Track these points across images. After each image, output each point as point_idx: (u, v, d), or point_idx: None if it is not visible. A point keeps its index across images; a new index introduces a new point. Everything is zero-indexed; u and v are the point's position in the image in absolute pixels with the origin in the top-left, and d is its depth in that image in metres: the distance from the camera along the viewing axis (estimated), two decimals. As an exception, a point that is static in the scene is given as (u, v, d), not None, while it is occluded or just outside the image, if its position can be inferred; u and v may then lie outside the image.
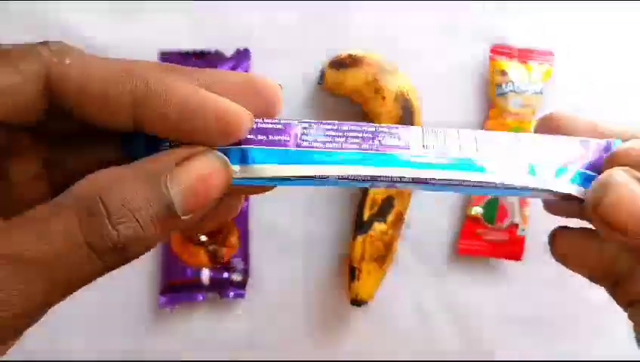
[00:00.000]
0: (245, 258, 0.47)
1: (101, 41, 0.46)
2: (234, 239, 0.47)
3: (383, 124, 0.22)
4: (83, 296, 0.46)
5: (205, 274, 0.47)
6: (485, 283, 0.49)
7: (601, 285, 0.24)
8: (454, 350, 0.49)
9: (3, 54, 0.18)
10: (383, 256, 0.45)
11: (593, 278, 0.24)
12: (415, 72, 0.46)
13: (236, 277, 0.47)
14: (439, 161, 0.21)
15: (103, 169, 0.18)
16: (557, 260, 0.24)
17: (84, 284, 0.17)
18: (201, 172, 0.18)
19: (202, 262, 0.47)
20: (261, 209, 0.48)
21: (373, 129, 0.22)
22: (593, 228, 0.21)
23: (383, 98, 0.44)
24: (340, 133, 0.21)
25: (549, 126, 0.24)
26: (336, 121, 0.22)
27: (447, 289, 0.49)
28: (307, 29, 0.47)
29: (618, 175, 0.20)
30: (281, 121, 0.21)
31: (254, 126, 0.21)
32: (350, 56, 0.45)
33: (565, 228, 0.24)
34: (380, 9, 0.48)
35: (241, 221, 0.47)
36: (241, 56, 0.46)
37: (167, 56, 0.45)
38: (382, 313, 0.49)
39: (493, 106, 0.47)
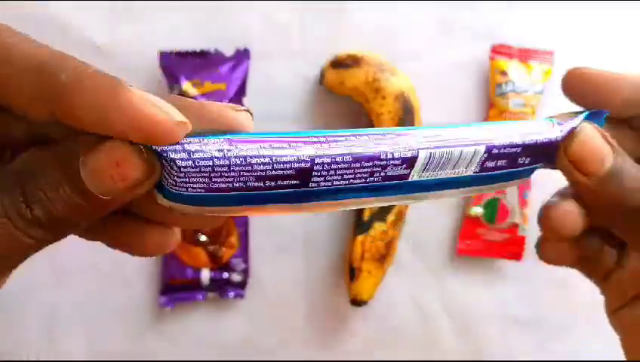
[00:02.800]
0: (245, 258, 0.47)
1: (101, 41, 0.46)
2: (234, 239, 0.47)
3: (390, 151, 0.20)
4: (83, 296, 0.47)
5: (205, 274, 0.47)
6: (485, 284, 0.49)
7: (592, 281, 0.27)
8: (454, 350, 0.49)
9: None
10: (383, 256, 0.45)
11: (581, 271, 0.27)
12: (415, 72, 0.46)
13: (236, 277, 0.47)
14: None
15: (30, 151, 0.19)
16: (541, 259, 0.27)
17: (23, 256, 0.18)
18: (112, 157, 0.17)
19: (202, 262, 0.47)
20: (261, 209, 0.48)
21: (385, 162, 0.20)
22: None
23: (383, 98, 0.44)
24: (349, 167, 0.20)
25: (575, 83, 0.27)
26: (349, 152, 0.20)
27: (447, 289, 0.49)
28: (307, 29, 0.47)
29: (587, 126, 0.24)
30: (296, 162, 0.19)
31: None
32: (350, 56, 0.45)
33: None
34: (380, 9, 0.48)
35: (241, 221, 0.47)
36: (241, 56, 0.46)
37: (167, 56, 0.45)
38: (382, 313, 0.49)
39: (493, 106, 0.47)
